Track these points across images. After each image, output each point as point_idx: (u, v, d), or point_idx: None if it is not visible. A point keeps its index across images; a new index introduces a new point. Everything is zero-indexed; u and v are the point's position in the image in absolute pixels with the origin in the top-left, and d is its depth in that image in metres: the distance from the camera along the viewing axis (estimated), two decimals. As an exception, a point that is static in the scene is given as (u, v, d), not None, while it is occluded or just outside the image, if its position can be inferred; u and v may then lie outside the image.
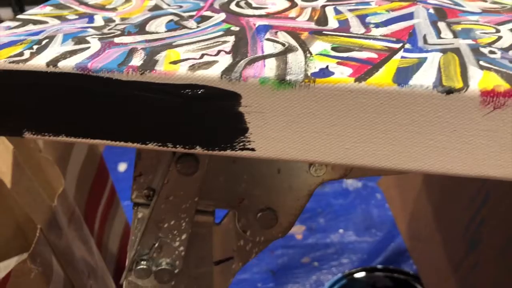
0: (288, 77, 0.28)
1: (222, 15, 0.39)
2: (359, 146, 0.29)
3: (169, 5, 0.43)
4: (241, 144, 0.31)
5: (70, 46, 0.33)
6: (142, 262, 0.40)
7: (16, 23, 0.39)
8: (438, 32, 0.35)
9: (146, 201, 0.40)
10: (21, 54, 0.32)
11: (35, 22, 0.39)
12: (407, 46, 0.32)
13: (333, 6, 0.41)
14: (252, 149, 0.31)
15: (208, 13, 0.40)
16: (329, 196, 1.50)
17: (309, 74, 0.28)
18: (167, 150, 0.32)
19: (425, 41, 0.33)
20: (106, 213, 0.78)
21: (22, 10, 3.09)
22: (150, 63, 0.30)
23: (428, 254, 0.96)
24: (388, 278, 1.17)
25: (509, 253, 0.73)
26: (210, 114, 0.30)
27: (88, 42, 0.34)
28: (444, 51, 0.31)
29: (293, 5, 0.42)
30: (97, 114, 0.31)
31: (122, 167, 1.64)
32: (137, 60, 0.31)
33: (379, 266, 1.20)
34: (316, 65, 0.29)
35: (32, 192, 0.49)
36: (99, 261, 0.65)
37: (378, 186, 1.37)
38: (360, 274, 1.14)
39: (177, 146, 0.32)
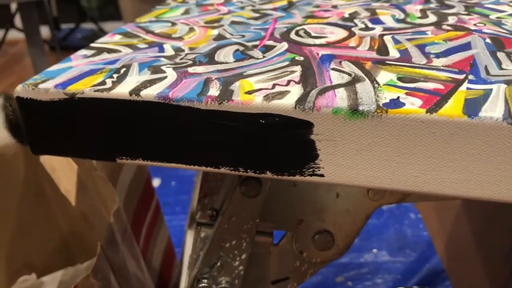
0: (361, 108, 0.30)
1: (285, 45, 0.41)
2: (427, 174, 0.30)
3: (231, 34, 0.45)
4: (311, 170, 0.32)
5: (147, 75, 0.36)
6: (203, 280, 0.42)
7: (91, 52, 0.42)
8: (498, 63, 0.36)
9: (209, 221, 0.41)
10: (103, 82, 0.35)
11: (109, 51, 0.41)
12: (470, 77, 0.33)
13: (391, 36, 0.42)
14: (321, 175, 0.32)
15: (271, 43, 0.42)
16: (362, 215, 1.49)
17: (380, 105, 0.30)
18: (238, 174, 0.34)
19: (487, 72, 0.34)
20: (151, 230, 0.81)
21: (58, 28, 3.19)
22: (226, 93, 0.32)
23: (468, 277, 0.95)
24: (424, 300, 1.16)
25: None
26: (282, 141, 0.32)
27: (164, 72, 0.36)
28: (508, 82, 0.32)
29: (351, 34, 0.43)
30: (175, 140, 0.33)
31: (156, 182, 1.67)
32: (214, 90, 0.33)
33: (415, 287, 1.19)
34: (386, 95, 0.31)
35: (94, 209, 0.52)
36: (148, 277, 0.67)
37: (411, 206, 1.37)
38: (398, 294, 1.13)
39: (248, 171, 0.33)
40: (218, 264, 0.42)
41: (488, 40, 0.41)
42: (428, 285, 1.25)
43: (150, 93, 0.33)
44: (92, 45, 0.44)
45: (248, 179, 0.39)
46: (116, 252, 0.54)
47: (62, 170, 0.50)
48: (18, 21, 2.71)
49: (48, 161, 0.51)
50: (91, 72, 0.37)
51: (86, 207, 0.50)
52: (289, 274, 0.44)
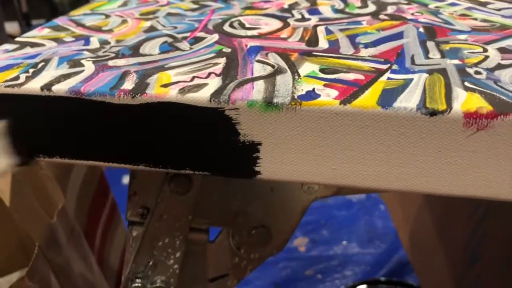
0: (275, 100, 0.29)
1: (215, 36, 0.40)
2: (346, 166, 0.30)
3: (164, 26, 0.43)
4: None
5: (65, 69, 0.34)
6: (137, 280, 0.41)
7: (14, 46, 0.40)
8: (426, 52, 0.35)
9: (141, 219, 0.40)
10: (17, 78, 0.33)
11: (32, 45, 0.40)
12: (394, 67, 0.33)
13: (325, 26, 0.42)
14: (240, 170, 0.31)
15: (202, 34, 0.41)
16: (332, 207, 1.50)
17: (295, 97, 0.29)
18: (158, 171, 0.33)
19: (413, 62, 0.34)
20: (107, 229, 0.79)
21: (28, 24, 3.13)
22: (141, 86, 0.31)
23: (430, 267, 0.96)
24: (391, 291, 1.16)
25: (511, 267, 0.73)
26: (200, 136, 0.31)
27: (83, 65, 0.35)
28: (430, 71, 0.32)
29: (286, 25, 0.42)
30: (90, 137, 0.32)
31: (126, 179, 1.65)
32: (129, 84, 0.31)
33: (383, 279, 1.20)
34: (304, 87, 0.30)
35: (31, 209, 0.50)
36: (99, 277, 0.66)
37: (381, 198, 1.37)
38: (363, 287, 1.14)
39: (168, 167, 0.32)
40: (151, 263, 0.41)
41: (421, 30, 0.40)
42: (397, 276, 1.26)
43: (62, 87, 0.31)
44: (17, 39, 0.42)
45: (177, 176, 0.38)
46: (58, 252, 0.53)
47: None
48: (-16, 17, 2.65)
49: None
50: (7, 67, 0.35)
51: (22, 207, 0.48)
52: (228, 271, 0.44)
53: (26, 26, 3.09)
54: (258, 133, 0.30)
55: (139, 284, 0.41)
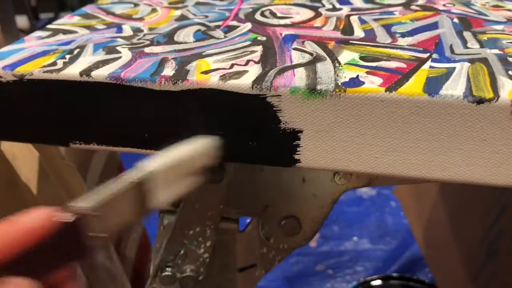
0: (319, 87, 0.28)
1: (248, 25, 0.40)
2: (388, 155, 0.29)
3: (195, 15, 0.43)
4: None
5: (101, 55, 0.34)
6: (167, 268, 0.41)
7: (47, 33, 0.40)
8: (464, 42, 0.35)
9: (172, 208, 0.40)
10: (54, 63, 0.33)
11: (65, 32, 0.40)
12: (435, 56, 0.32)
13: (357, 16, 0.41)
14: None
15: (234, 23, 0.40)
16: (343, 203, 1.50)
17: (339, 84, 0.29)
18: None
19: (452, 51, 0.33)
20: (124, 220, 0.79)
21: (37, 18, 3.13)
22: (181, 72, 0.31)
23: (445, 263, 0.96)
24: (404, 287, 1.16)
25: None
26: (239, 123, 0.31)
27: (119, 52, 0.34)
28: (471, 61, 0.31)
29: (317, 14, 0.42)
30: (129, 123, 0.32)
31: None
32: (169, 70, 0.31)
33: (395, 274, 1.19)
34: (346, 74, 0.30)
35: (56, 197, 0.50)
36: (118, 267, 0.66)
37: (392, 194, 1.37)
38: (376, 282, 1.14)
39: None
40: (182, 252, 0.41)
41: (456, 20, 0.40)
42: (409, 272, 1.25)
43: (101, 73, 0.31)
44: (49, 26, 0.42)
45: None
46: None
47: (23, 158, 0.48)
48: (-6, 10, 2.65)
49: (9, 148, 0.49)
50: (43, 53, 0.35)
51: (48, 196, 0.48)
52: (256, 261, 0.43)
53: (35, 20, 3.10)
54: (299, 121, 0.30)
55: (169, 273, 0.41)
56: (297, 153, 0.31)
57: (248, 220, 0.43)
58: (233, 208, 0.41)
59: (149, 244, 0.88)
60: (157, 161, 0.27)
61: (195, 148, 0.30)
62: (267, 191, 0.40)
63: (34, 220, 0.22)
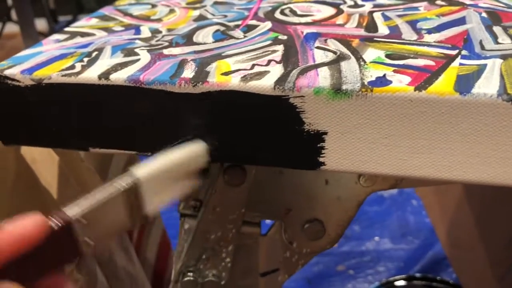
0: (344, 87, 0.27)
1: (268, 24, 0.39)
2: (418, 157, 0.28)
3: (213, 15, 0.42)
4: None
5: (120, 58, 0.33)
6: (189, 273, 0.40)
7: (64, 36, 0.39)
8: (494, 37, 0.33)
9: (193, 212, 0.39)
10: (72, 67, 0.32)
11: (83, 35, 0.39)
12: (464, 52, 0.31)
13: (381, 12, 0.40)
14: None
15: (254, 22, 0.40)
16: (364, 203, 1.47)
17: (365, 83, 0.27)
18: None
19: (482, 47, 0.32)
20: (144, 223, 0.79)
21: (55, 21, 3.17)
22: (201, 74, 0.30)
23: (470, 264, 0.94)
24: (427, 287, 1.14)
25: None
26: (261, 125, 0.30)
27: (138, 54, 0.34)
28: (504, 57, 0.30)
29: (339, 11, 0.41)
30: (150, 127, 0.31)
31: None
32: (188, 72, 0.30)
33: (418, 275, 1.17)
34: (372, 73, 0.29)
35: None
36: (139, 270, 0.66)
37: (414, 193, 1.34)
38: (399, 283, 1.12)
39: (228, 158, 0.31)
40: (204, 256, 0.40)
41: (484, 14, 0.38)
42: (431, 272, 1.23)
43: (120, 76, 0.30)
44: (66, 29, 0.42)
45: (231, 167, 0.36)
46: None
47: (43, 161, 0.48)
48: (15, 14, 2.69)
49: (29, 152, 0.49)
50: (61, 57, 0.35)
51: (68, 199, 0.48)
52: (279, 265, 0.43)
53: (53, 22, 3.13)
54: (324, 122, 0.29)
55: (191, 278, 0.40)
56: (321, 155, 0.30)
57: (270, 224, 0.43)
58: (255, 211, 0.40)
59: (169, 247, 0.88)
60: (147, 167, 0.27)
61: (185, 153, 0.29)
62: (289, 194, 0.39)
63: (24, 226, 0.22)
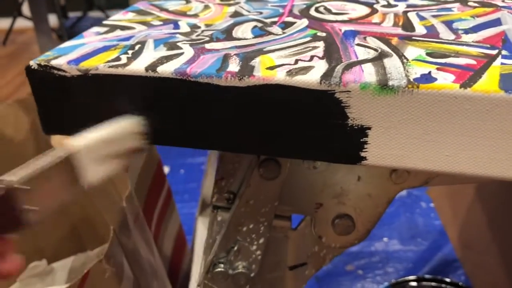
0: (390, 83, 0.28)
1: (305, 21, 0.39)
2: (460, 153, 0.29)
3: (248, 11, 0.43)
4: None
5: (163, 51, 0.34)
6: (220, 264, 0.41)
7: (104, 29, 0.40)
8: (532, 38, 0.34)
9: (226, 204, 0.40)
10: (118, 58, 0.33)
11: (123, 28, 0.40)
12: (504, 52, 0.32)
13: (415, 12, 0.41)
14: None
15: (290, 19, 0.40)
16: (373, 203, 1.48)
17: (411, 80, 0.28)
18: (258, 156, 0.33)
19: (521, 47, 0.32)
20: (162, 216, 0.80)
21: (65, 16, 3.18)
22: (247, 68, 0.31)
23: (483, 266, 0.94)
24: (437, 289, 1.14)
25: None
26: (305, 119, 0.30)
27: (180, 48, 0.34)
28: (544, 57, 0.31)
29: (374, 11, 0.41)
30: (193, 119, 0.32)
31: (165, 170, 1.66)
32: (233, 66, 0.31)
33: (427, 276, 1.17)
34: (416, 70, 0.29)
35: (106, 193, 0.50)
36: (159, 262, 0.66)
37: (423, 195, 1.35)
38: (410, 284, 1.12)
39: (271, 151, 0.32)
40: (235, 248, 0.40)
41: (518, 16, 0.39)
42: (440, 274, 1.23)
43: (167, 69, 0.31)
44: (105, 22, 0.42)
45: (267, 161, 0.37)
46: (128, 236, 0.53)
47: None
48: (25, 9, 2.70)
49: (58, 143, 0.49)
50: (105, 49, 0.35)
51: (96, 191, 0.49)
52: (307, 259, 0.43)
53: (64, 18, 3.14)
54: (368, 117, 0.29)
55: (222, 269, 0.41)
56: (364, 150, 0.30)
57: (301, 218, 0.43)
58: (287, 205, 0.41)
59: (185, 241, 0.89)
60: (85, 138, 0.28)
61: (123, 128, 0.31)
62: (321, 189, 0.40)
63: None
